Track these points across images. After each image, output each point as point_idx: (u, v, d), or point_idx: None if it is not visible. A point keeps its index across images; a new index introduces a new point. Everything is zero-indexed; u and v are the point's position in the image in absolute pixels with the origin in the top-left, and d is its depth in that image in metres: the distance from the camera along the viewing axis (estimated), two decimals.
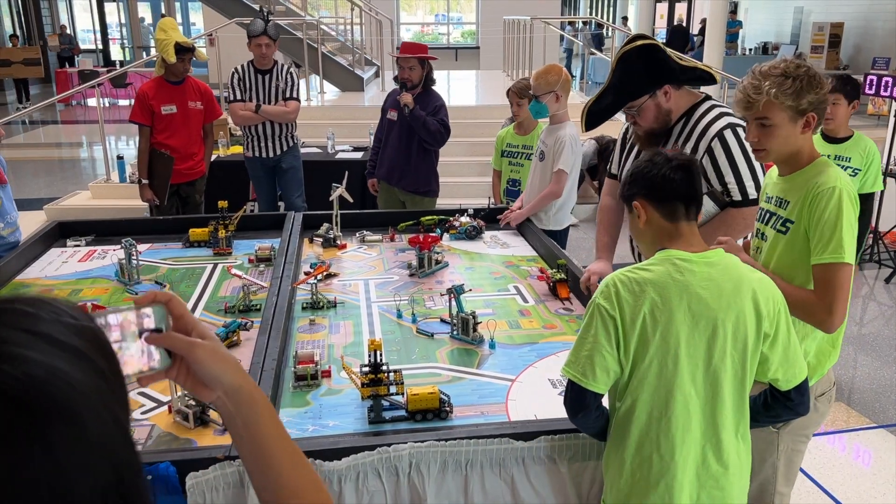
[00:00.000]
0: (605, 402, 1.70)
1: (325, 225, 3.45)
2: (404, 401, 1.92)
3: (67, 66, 16.63)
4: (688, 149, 2.31)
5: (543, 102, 3.57)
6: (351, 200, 3.49)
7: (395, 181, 4.52)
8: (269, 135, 4.95)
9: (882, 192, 4.52)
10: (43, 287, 2.86)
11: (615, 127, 2.61)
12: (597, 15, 26.22)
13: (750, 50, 18.24)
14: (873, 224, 5.53)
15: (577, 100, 8.84)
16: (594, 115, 2.44)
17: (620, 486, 1.63)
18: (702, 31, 15.31)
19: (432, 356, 2.30)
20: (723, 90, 9.17)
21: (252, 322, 2.48)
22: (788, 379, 1.64)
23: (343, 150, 6.55)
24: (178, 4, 20.38)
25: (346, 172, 3.49)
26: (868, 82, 5.73)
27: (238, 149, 6.46)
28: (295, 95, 4.93)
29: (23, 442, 0.48)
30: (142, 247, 3.23)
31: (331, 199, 3.37)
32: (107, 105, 14.14)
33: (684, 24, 18.84)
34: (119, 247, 3.00)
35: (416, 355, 2.30)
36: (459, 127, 7.62)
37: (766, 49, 17.41)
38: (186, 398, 1.88)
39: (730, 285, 1.58)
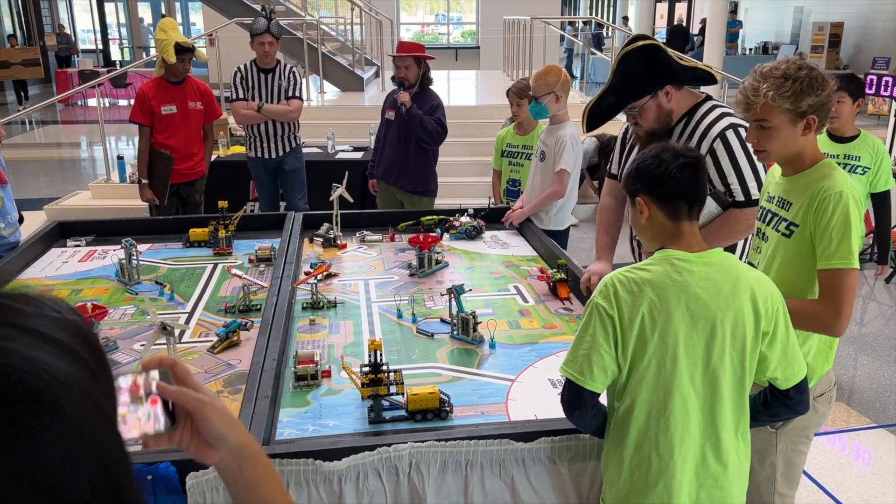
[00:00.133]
0: (604, 400, 1.70)
1: (326, 225, 3.45)
2: (404, 401, 1.92)
3: (66, 66, 16.62)
4: None
5: (543, 103, 3.57)
6: (351, 200, 3.49)
7: (392, 181, 4.53)
8: (271, 135, 4.94)
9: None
10: (43, 287, 2.86)
11: (616, 125, 2.62)
12: (597, 15, 26.21)
13: (750, 50, 18.24)
14: (873, 223, 5.51)
15: (578, 100, 8.84)
16: (595, 116, 2.43)
17: (619, 486, 1.63)
18: (702, 31, 15.31)
19: (432, 356, 2.30)
20: (723, 90, 9.17)
21: (252, 322, 2.48)
22: (787, 377, 1.64)
23: (343, 150, 6.55)
24: (178, 4, 20.37)
25: (347, 172, 3.50)
26: (868, 82, 5.74)
27: (238, 149, 6.46)
28: (297, 94, 4.92)
29: (4, 433, 0.48)
30: (142, 247, 3.23)
31: (331, 199, 3.37)
32: (107, 105, 14.15)
33: (684, 24, 18.84)
34: (119, 247, 3.00)
35: (416, 355, 2.30)
36: (459, 127, 7.65)
37: (766, 49, 17.41)
38: None
39: (728, 285, 1.58)
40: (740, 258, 2.35)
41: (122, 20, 21.87)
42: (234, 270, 2.75)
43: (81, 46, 21.32)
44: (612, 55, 9.80)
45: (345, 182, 3.37)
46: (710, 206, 2.28)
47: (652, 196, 1.65)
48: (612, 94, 2.37)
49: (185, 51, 4.50)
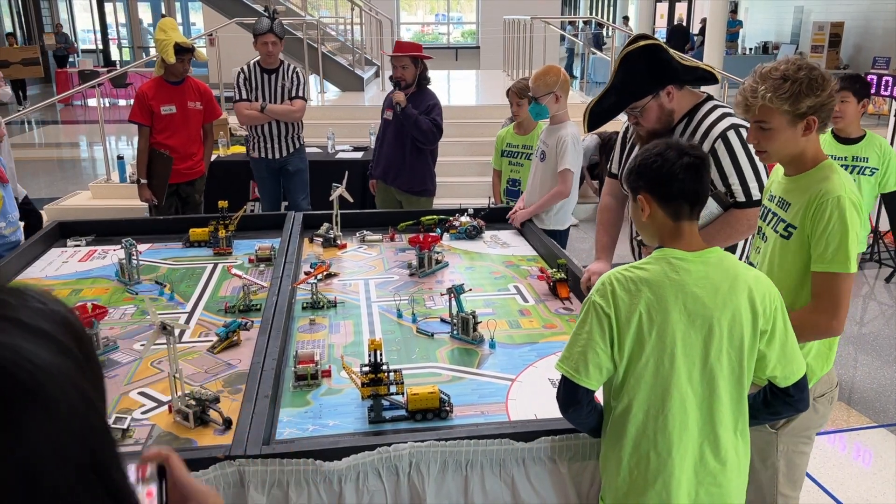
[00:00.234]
0: (600, 399, 1.70)
1: (326, 225, 3.45)
2: (404, 400, 1.92)
3: (63, 65, 16.61)
4: None
5: (543, 104, 3.57)
6: (351, 200, 3.49)
7: (391, 180, 4.53)
8: (275, 135, 4.93)
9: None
10: (43, 287, 2.86)
11: (618, 122, 2.61)
12: (597, 15, 26.20)
13: (750, 49, 18.24)
14: (873, 223, 5.52)
15: (578, 100, 8.84)
16: (596, 116, 2.43)
17: (618, 485, 1.64)
18: (702, 31, 15.30)
19: (432, 356, 2.30)
20: (723, 90, 9.16)
21: (252, 322, 2.48)
22: (787, 376, 1.64)
23: (343, 150, 6.55)
24: (178, 4, 20.37)
25: (347, 172, 3.50)
26: (868, 81, 5.73)
27: (238, 149, 6.46)
28: (301, 94, 4.91)
29: None
30: (142, 247, 3.23)
31: (331, 198, 3.37)
32: (107, 105, 14.15)
33: (684, 24, 18.83)
34: (119, 247, 3.00)
35: (416, 355, 2.30)
36: (459, 127, 7.66)
37: (766, 49, 17.40)
38: (187, 398, 1.88)
39: (726, 284, 1.58)
40: (740, 258, 2.34)
41: (122, 20, 21.87)
42: (234, 270, 2.75)
43: (81, 46, 21.32)
44: (613, 55, 9.80)
45: (345, 182, 3.37)
46: (711, 207, 2.27)
47: (654, 195, 1.64)
48: (614, 94, 2.37)
49: (184, 51, 4.50)
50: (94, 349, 0.62)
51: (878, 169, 3.69)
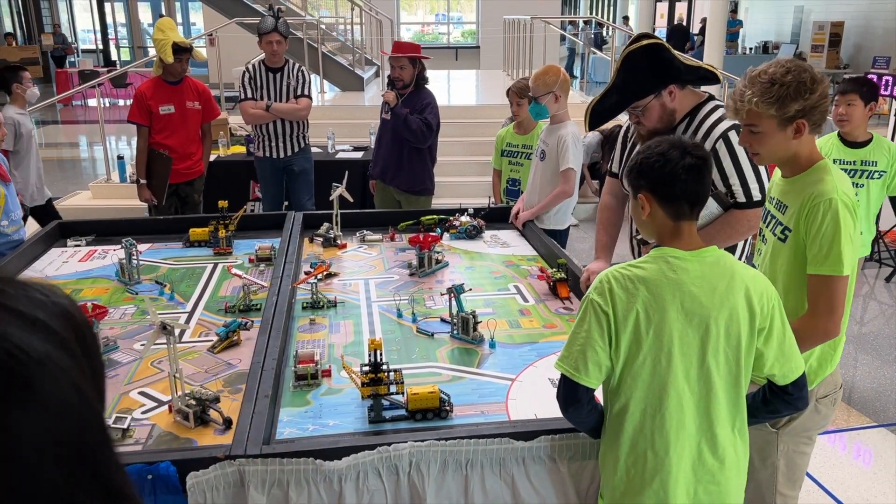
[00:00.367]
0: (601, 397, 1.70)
1: (326, 224, 3.45)
2: (404, 400, 1.92)
3: (63, 65, 16.60)
4: None
5: (542, 103, 3.57)
6: (351, 200, 3.49)
7: (389, 180, 4.54)
8: (280, 135, 4.90)
9: None
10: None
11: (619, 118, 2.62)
12: (597, 14, 26.19)
13: (750, 49, 18.22)
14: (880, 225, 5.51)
15: (578, 99, 8.85)
16: (598, 115, 2.43)
17: (615, 484, 1.64)
18: (702, 31, 15.30)
19: (432, 356, 2.30)
20: (723, 90, 9.16)
21: (252, 321, 2.48)
22: (785, 374, 1.64)
23: (343, 150, 6.56)
24: (178, 4, 20.37)
25: (347, 172, 3.50)
26: (876, 84, 5.72)
27: (238, 149, 6.46)
28: (306, 93, 4.88)
29: None
30: (142, 247, 3.23)
31: (331, 198, 3.37)
32: (107, 105, 14.15)
33: (684, 24, 18.82)
34: (119, 247, 3.01)
35: (416, 355, 2.30)
36: (459, 127, 7.66)
37: (766, 48, 17.39)
38: (187, 398, 1.88)
39: (723, 283, 1.58)
40: (739, 258, 2.34)
41: (122, 20, 21.86)
42: (234, 270, 2.75)
43: (82, 46, 21.32)
44: (613, 55, 9.80)
45: (345, 182, 3.38)
46: (711, 207, 2.27)
47: (655, 195, 1.63)
48: (616, 93, 2.36)
49: (182, 51, 4.50)
50: (97, 346, 0.62)
51: (886, 172, 3.67)
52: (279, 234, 3.41)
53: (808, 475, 3.07)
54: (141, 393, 2.05)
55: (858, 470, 3.20)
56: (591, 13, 26.59)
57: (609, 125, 6.65)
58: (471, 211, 3.65)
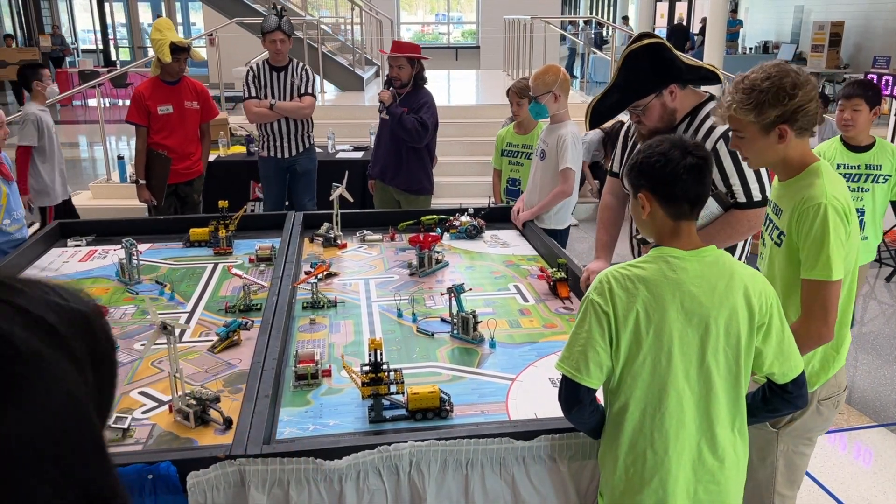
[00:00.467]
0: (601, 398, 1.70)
1: (326, 224, 3.45)
2: (404, 400, 1.92)
3: (61, 67, 16.59)
4: None
5: (542, 103, 3.57)
6: (351, 200, 3.49)
7: (388, 180, 4.55)
8: (284, 134, 4.89)
9: None
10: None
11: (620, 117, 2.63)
12: (597, 14, 26.19)
13: (750, 49, 18.22)
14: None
15: (578, 99, 8.85)
16: (599, 114, 2.43)
17: (615, 483, 1.64)
18: (702, 31, 15.30)
19: (432, 355, 2.30)
20: (723, 90, 9.17)
21: (252, 321, 2.48)
22: (785, 372, 1.64)
23: (343, 150, 6.56)
24: (178, 4, 20.36)
25: (347, 172, 3.50)
26: (880, 87, 5.72)
27: (238, 148, 6.46)
28: (310, 91, 4.88)
29: None
30: (142, 246, 3.23)
31: (331, 198, 3.37)
32: (107, 105, 14.14)
33: (684, 24, 18.82)
34: (120, 247, 3.01)
35: (416, 354, 2.30)
36: (459, 127, 7.66)
37: (766, 48, 17.38)
38: (187, 398, 1.88)
39: (722, 283, 1.58)
40: (739, 258, 2.34)
41: (122, 20, 21.85)
42: (234, 270, 2.76)
43: (82, 46, 21.30)
44: (613, 55, 9.79)
45: (345, 182, 3.38)
46: (712, 207, 2.27)
47: (655, 195, 1.63)
48: (617, 92, 2.36)
49: (180, 50, 4.51)
50: (112, 361, 0.59)
51: (891, 175, 3.66)
52: (279, 234, 3.41)
53: (808, 475, 3.07)
54: (141, 393, 2.05)
55: (858, 470, 3.20)
56: (591, 13, 26.58)
57: (610, 122, 6.65)
58: (471, 211, 3.65)
